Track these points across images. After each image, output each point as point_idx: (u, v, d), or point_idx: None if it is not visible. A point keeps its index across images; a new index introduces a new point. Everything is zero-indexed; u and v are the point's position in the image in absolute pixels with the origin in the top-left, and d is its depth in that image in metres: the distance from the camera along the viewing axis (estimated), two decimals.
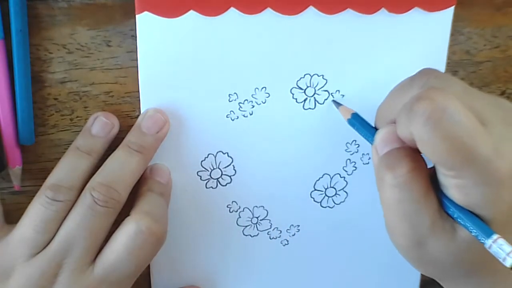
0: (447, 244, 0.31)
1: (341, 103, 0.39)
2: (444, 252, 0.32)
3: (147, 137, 0.38)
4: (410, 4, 0.38)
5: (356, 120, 0.37)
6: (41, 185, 0.36)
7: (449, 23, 0.39)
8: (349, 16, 0.38)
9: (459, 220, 0.31)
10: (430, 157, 0.30)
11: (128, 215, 0.37)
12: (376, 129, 0.36)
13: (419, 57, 0.40)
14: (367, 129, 0.36)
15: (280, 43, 0.38)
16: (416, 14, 0.38)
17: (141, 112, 0.39)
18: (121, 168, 0.37)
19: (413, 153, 0.32)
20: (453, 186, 0.30)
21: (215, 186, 0.41)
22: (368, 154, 0.42)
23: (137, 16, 0.36)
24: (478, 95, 0.32)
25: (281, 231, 0.43)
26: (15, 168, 0.38)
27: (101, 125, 0.38)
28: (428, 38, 0.39)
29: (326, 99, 0.40)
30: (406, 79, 0.34)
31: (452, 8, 0.39)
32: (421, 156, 0.32)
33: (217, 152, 0.40)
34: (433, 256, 0.32)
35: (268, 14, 0.37)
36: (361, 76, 0.40)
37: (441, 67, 0.40)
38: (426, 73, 0.33)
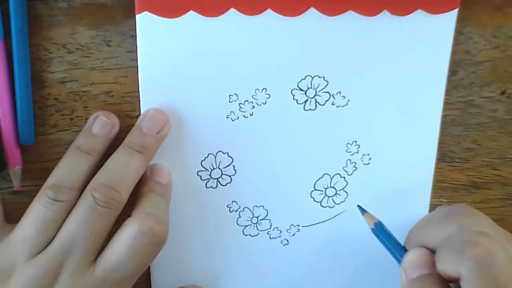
0: None
1: (367, 210, 0.40)
2: None
3: (148, 137, 0.38)
4: (413, 6, 0.38)
5: (379, 230, 0.39)
6: (41, 185, 0.36)
7: (452, 26, 0.39)
8: (350, 18, 0.37)
9: None
10: None
11: (128, 215, 0.37)
12: (401, 245, 0.38)
13: (421, 60, 0.40)
14: (390, 242, 0.38)
15: (280, 44, 0.38)
16: (419, 17, 0.38)
17: (141, 112, 0.39)
18: (122, 168, 0.37)
19: (442, 282, 0.34)
20: None
21: (215, 186, 0.41)
22: (368, 154, 0.42)
23: (137, 16, 0.36)
24: (507, 237, 0.35)
25: (281, 231, 0.43)
26: (15, 168, 0.38)
27: (101, 125, 0.38)
28: (430, 41, 0.39)
29: (327, 101, 0.40)
30: (437, 210, 0.38)
31: (456, 10, 0.38)
32: (448, 285, 0.34)
33: (217, 152, 0.40)
34: None
35: (269, 15, 0.37)
36: (362, 78, 0.40)
37: (443, 70, 0.40)
38: (459, 212, 0.36)
